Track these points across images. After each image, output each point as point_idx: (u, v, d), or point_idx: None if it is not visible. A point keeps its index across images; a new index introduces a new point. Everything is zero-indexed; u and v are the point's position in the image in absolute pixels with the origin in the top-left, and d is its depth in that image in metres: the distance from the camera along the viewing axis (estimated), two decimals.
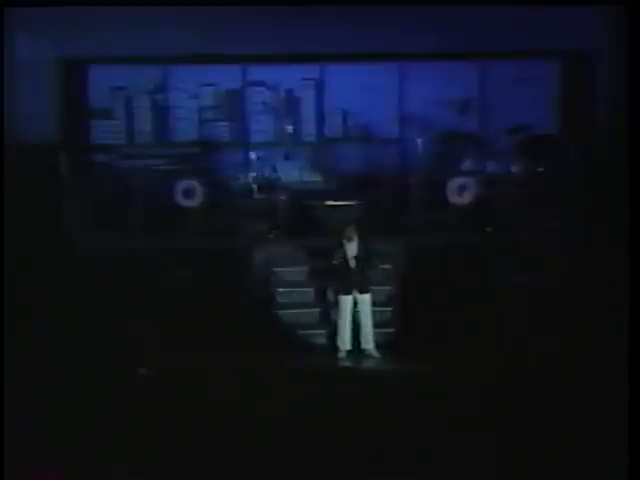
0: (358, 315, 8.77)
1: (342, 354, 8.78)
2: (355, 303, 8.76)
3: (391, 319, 9.21)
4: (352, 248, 8.70)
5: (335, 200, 10.54)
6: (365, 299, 8.72)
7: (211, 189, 10.57)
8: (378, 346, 8.83)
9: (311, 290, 9.42)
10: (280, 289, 9.45)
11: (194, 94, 11.74)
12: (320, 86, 11.70)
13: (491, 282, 9.41)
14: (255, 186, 10.77)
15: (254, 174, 10.91)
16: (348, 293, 8.71)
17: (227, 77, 11.64)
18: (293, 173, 11.33)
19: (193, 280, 9.56)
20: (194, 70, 11.52)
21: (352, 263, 8.69)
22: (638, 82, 7.16)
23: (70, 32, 10.18)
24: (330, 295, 8.89)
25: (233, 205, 10.69)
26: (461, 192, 10.33)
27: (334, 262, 8.69)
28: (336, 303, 8.83)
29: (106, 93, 11.59)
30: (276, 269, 9.64)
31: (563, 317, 9.03)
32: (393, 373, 8.59)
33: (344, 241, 8.69)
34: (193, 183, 10.42)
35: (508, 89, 11.46)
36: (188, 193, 10.37)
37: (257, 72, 11.61)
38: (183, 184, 10.41)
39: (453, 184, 10.35)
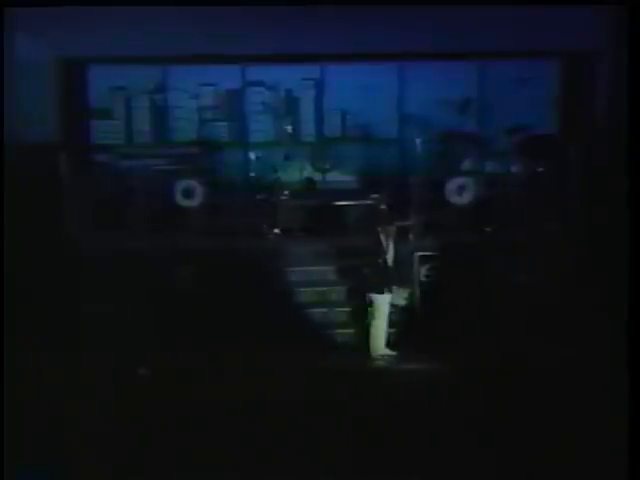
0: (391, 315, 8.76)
1: (378, 354, 8.72)
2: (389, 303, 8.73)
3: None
4: (390, 247, 8.66)
5: (335, 200, 10.57)
6: (401, 297, 8.75)
7: (211, 189, 10.58)
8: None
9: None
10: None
11: (194, 94, 11.74)
12: (320, 86, 11.70)
13: (490, 282, 9.42)
14: (255, 186, 10.79)
15: (254, 174, 10.92)
16: (382, 292, 8.66)
17: (227, 77, 11.64)
18: (293, 173, 11.33)
19: (193, 280, 9.55)
20: (194, 70, 11.52)
21: (389, 262, 8.66)
22: (638, 82, 7.16)
23: (70, 32, 10.17)
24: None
25: (233, 205, 10.70)
26: (461, 192, 10.35)
27: (379, 261, 8.63)
28: (370, 303, 8.76)
29: (106, 93, 11.60)
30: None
31: (562, 317, 9.04)
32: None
33: (382, 240, 8.65)
34: (193, 183, 10.44)
35: (508, 89, 11.46)
36: (188, 193, 10.38)
37: (257, 72, 11.61)
38: (183, 184, 10.42)
39: (453, 184, 10.37)
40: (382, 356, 8.68)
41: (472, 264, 9.50)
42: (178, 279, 9.50)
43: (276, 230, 10.24)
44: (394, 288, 8.68)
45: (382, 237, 8.67)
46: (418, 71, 11.49)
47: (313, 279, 9.60)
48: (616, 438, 5.86)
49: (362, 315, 9.01)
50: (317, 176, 11.43)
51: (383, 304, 8.66)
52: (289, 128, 11.50)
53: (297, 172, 11.34)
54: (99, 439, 6.51)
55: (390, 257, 8.65)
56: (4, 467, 5.78)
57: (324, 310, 9.35)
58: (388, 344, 8.77)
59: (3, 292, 7.09)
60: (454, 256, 9.54)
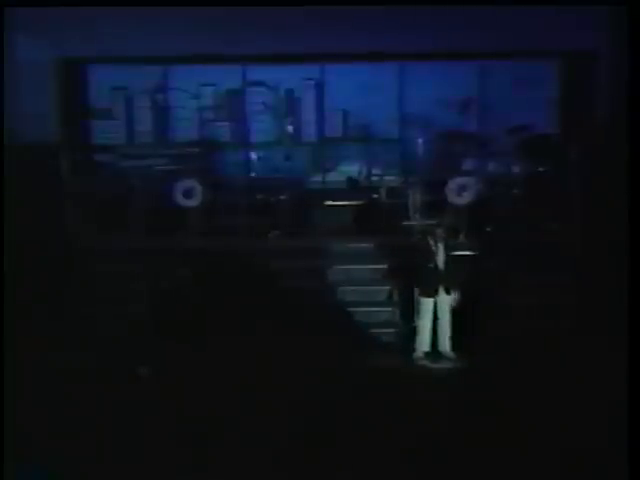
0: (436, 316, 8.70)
1: (420, 355, 8.69)
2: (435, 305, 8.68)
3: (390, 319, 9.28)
4: (440, 250, 8.62)
5: (335, 200, 10.60)
6: (446, 300, 8.63)
7: (211, 189, 10.59)
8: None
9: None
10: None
11: (194, 94, 11.74)
12: (320, 86, 11.69)
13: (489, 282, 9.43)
14: (255, 186, 10.80)
15: (254, 174, 10.93)
16: (430, 295, 8.62)
17: (227, 77, 11.64)
18: (293, 173, 11.33)
19: (192, 280, 9.57)
20: (194, 70, 11.52)
21: (440, 265, 8.60)
22: (638, 82, 7.15)
23: (70, 32, 10.17)
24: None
25: (233, 205, 10.70)
26: (461, 192, 10.37)
27: (424, 263, 8.60)
28: (417, 304, 8.72)
29: (106, 93, 11.61)
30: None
31: (562, 317, 9.05)
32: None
33: (434, 242, 8.62)
34: (193, 183, 10.44)
35: (508, 89, 11.45)
36: (188, 193, 10.38)
37: (257, 72, 11.61)
38: (183, 184, 10.43)
39: (453, 184, 10.39)
40: (426, 356, 8.68)
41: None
42: (177, 279, 9.52)
43: (275, 230, 10.27)
44: (441, 289, 8.61)
45: (430, 238, 8.63)
46: (418, 71, 11.48)
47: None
48: (617, 437, 5.86)
49: (409, 315, 9.00)
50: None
51: (430, 305, 8.64)
52: (289, 128, 11.51)
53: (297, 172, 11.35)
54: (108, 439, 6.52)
55: (439, 258, 8.59)
56: (4, 467, 5.78)
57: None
58: (433, 344, 8.73)
59: (3, 291, 7.10)
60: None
